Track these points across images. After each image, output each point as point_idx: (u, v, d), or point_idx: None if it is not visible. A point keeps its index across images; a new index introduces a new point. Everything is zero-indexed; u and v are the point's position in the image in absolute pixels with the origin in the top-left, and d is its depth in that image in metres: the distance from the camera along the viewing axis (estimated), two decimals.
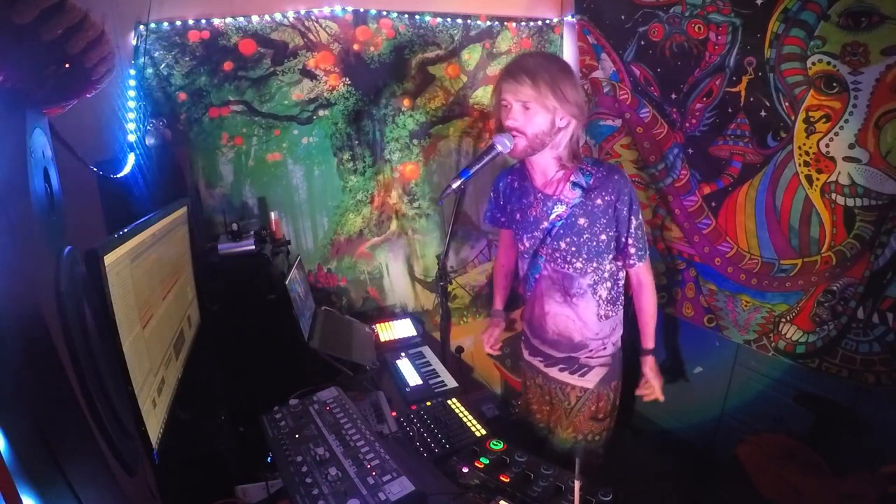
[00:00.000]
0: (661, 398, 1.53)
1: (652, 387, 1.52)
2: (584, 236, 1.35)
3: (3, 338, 0.68)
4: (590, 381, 1.50)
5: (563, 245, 1.39)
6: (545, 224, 1.40)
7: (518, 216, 1.48)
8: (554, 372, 1.54)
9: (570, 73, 1.28)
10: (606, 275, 1.44)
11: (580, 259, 1.38)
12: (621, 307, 1.53)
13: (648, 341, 1.54)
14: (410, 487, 0.87)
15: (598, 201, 1.33)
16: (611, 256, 1.41)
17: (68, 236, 0.88)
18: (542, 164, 1.37)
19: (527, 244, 1.48)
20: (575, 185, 1.34)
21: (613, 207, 1.34)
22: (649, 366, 1.53)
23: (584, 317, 1.46)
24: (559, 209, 1.37)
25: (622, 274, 1.49)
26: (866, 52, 1.47)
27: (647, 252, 1.45)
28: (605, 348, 1.50)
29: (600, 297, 1.45)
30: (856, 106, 1.53)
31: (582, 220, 1.35)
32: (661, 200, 2.23)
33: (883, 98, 1.47)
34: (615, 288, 1.47)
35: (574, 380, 1.51)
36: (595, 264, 1.39)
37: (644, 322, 1.54)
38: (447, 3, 2.18)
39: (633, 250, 1.40)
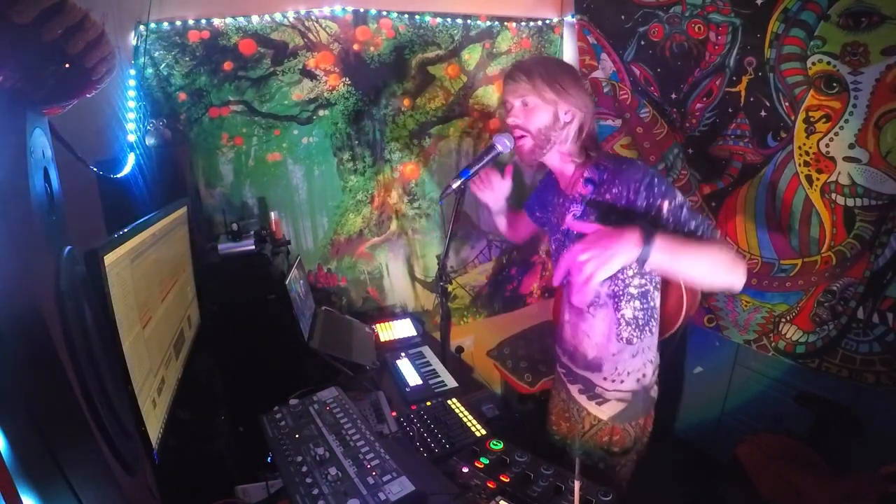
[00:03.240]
0: None
1: None
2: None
3: (3, 338, 0.68)
4: (604, 412, 1.35)
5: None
6: (564, 225, 1.32)
7: (550, 217, 1.42)
8: (574, 391, 1.43)
9: (570, 69, 1.26)
10: (633, 290, 1.25)
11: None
12: (652, 338, 1.30)
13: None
14: (410, 487, 0.87)
15: (607, 196, 1.19)
16: (634, 265, 1.21)
17: (68, 236, 0.87)
18: (559, 164, 1.31)
19: (553, 246, 1.41)
20: (588, 180, 1.25)
21: (625, 200, 1.15)
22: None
23: (599, 332, 1.31)
24: (575, 208, 1.28)
25: (656, 295, 1.27)
26: (866, 52, 1.47)
27: (715, 232, 1.13)
28: (622, 381, 1.31)
29: (622, 314, 1.27)
30: (856, 106, 1.53)
31: (593, 219, 1.21)
32: None
33: (883, 98, 1.47)
34: (644, 310, 1.26)
35: (590, 406, 1.37)
36: None
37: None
38: (447, 3, 2.18)
39: (684, 231, 1.10)
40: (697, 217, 1.12)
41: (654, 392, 1.37)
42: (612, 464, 1.38)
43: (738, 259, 1.07)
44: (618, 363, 1.31)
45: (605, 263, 0.94)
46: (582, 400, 1.40)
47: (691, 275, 1.05)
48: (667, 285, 1.34)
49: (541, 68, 1.22)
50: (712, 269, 1.04)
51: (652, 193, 1.11)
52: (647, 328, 1.28)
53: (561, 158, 1.29)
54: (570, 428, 1.49)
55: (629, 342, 1.28)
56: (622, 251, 0.95)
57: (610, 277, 1.14)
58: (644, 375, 1.32)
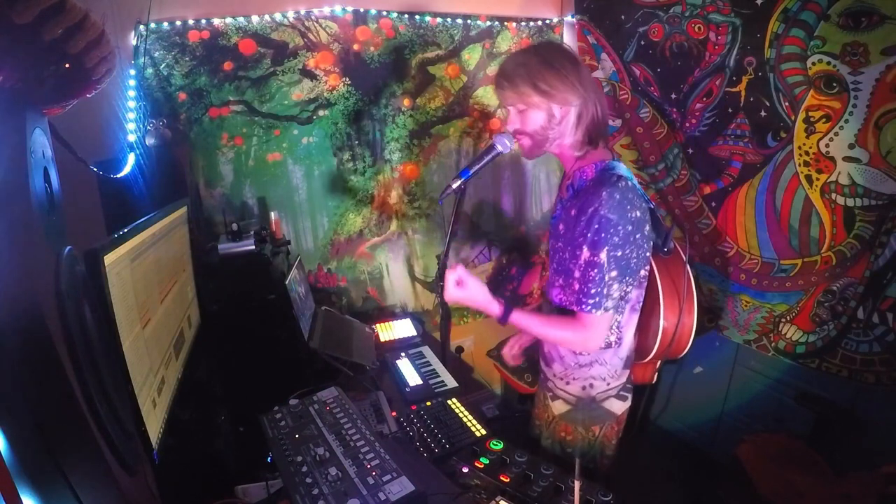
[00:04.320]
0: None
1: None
2: (559, 244, 1.24)
3: (3, 338, 0.68)
4: (555, 407, 1.39)
5: (550, 247, 1.33)
6: (552, 221, 1.34)
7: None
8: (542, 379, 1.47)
9: (554, 62, 1.16)
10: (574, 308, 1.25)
11: (552, 268, 1.28)
12: (607, 355, 1.29)
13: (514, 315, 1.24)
14: (410, 487, 0.87)
15: (573, 211, 1.18)
16: None
17: (68, 236, 0.88)
18: (561, 158, 1.30)
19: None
20: (570, 186, 1.25)
21: (573, 224, 1.16)
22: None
23: None
24: (558, 208, 1.31)
25: (615, 316, 1.24)
26: (866, 52, 1.48)
27: (600, 308, 1.14)
28: (567, 383, 1.34)
29: None
30: (856, 106, 1.53)
31: (562, 226, 1.23)
32: (661, 200, 2.23)
33: (883, 98, 1.47)
34: None
35: (549, 397, 1.41)
36: (561, 281, 1.26)
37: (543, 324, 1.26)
38: (447, 3, 2.18)
39: (577, 286, 1.16)
40: (596, 287, 1.13)
41: (614, 406, 1.33)
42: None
43: (583, 342, 1.22)
44: (566, 367, 1.33)
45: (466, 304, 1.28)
46: (545, 390, 1.43)
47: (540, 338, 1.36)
48: (646, 318, 1.32)
49: (522, 70, 1.17)
50: (554, 341, 1.32)
51: (586, 234, 1.11)
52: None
53: (560, 151, 1.27)
54: (539, 415, 1.50)
55: (575, 353, 1.30)
56: (483, 310, 1.26)
57: (559, 285, 1.28)
58: (591, 386, 1.31)
